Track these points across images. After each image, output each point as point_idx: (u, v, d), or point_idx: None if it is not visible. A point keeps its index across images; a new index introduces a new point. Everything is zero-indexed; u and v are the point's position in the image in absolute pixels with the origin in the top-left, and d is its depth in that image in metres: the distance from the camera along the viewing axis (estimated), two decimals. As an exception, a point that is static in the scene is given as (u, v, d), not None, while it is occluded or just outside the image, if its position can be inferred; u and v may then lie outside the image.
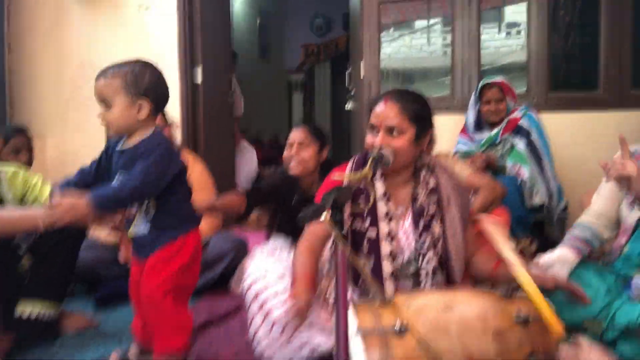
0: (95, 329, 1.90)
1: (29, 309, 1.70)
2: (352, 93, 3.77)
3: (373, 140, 1.49)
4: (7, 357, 1.63)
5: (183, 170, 1.51)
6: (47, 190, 1.83)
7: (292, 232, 2.44)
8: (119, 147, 1.47)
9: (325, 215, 0.94)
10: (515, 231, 2.47)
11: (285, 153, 2.19)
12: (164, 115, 2.41)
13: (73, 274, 1.90)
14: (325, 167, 2.27)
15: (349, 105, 3.97)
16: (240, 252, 2.38)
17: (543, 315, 1.08)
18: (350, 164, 1.63)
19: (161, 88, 1.47)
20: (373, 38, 3.38)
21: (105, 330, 1.90)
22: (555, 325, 1.06)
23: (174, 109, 3.41)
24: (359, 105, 3.51)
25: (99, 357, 1.68)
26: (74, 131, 3.57)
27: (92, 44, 3.53)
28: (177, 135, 3.40)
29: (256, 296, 1.49)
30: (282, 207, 2.34)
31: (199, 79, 3.52)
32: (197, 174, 2.49)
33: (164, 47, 3.43)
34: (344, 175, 1.50)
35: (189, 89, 3.46)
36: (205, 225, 2.42)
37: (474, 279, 1.58)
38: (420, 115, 1.50)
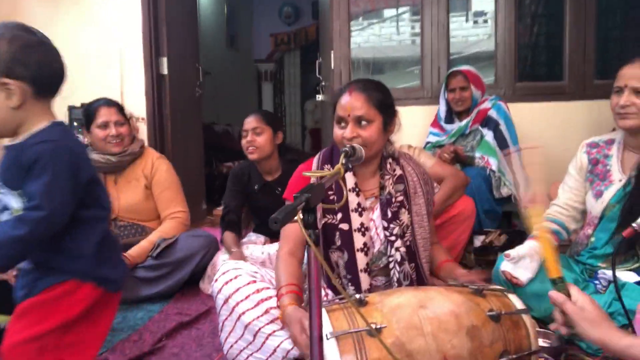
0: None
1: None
2: (323, 83, 3.74)
3: (341, 132, 1.47)
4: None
5: (93, 181, 1.10)
6: None
7: (261, 220, 2.46)
8: None
9: (297, 218, 0.91)
10: (484, 222, 2.51)
11: (242, 141, 2.35)
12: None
13: None
14: (282, 151, 2.43)
15: (319, 97, 3.94)
16: (211, 249, 2.33)
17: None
18: (316, 159, 1.61)
19: (40, 61, 1.04)
20: (343, 28, 3.35)
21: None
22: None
23: (139, 102, 3.31)
24: (329, 96, 3.48)
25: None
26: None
27: (52, 36, 3.37)
28: (141, 129, 3.31)
29: (226, 300, 1.45)
30: (248, 197, 2.38)
31: (164, 69, 3.42)
32: (163, 172, 2.42)
33: (128, 38, 3.31)
34: (313, 172, 1.48)
35: (155, 81, 3.36)
36: (173, 222, 2.37)
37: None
38: (385, 103, 1.49)
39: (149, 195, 2.38)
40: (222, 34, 6.37)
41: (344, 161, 1.21)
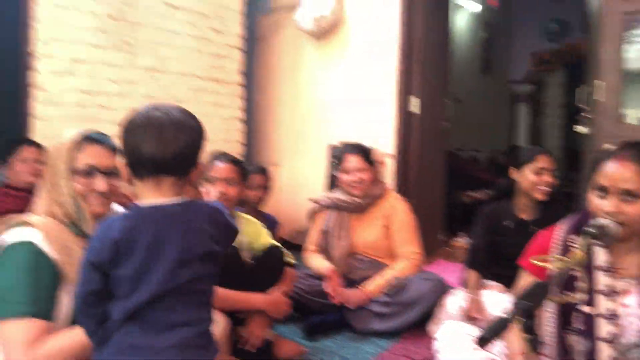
0: (301, 357, 2.11)
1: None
2: (587, 114, 3.32)
3: (600, 203, 1.31)
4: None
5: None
6: (265, 239, 2.08)
7: (502, 260, 2.32)
8: None
9: (515, 326, 0.86)
10: None
11: (535, 178, 2.18)
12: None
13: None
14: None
15: (581, 128, 3.51)
16: (439, 292, 2.36)
17: None
18: (563, 228, 1.46)
19: (129, 146, 1.02)
20: (613, 53, 2.91)
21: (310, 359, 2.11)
22: None
23: (388, 139, 3.56)
24: (595, 130, 3.07)
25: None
26: (303, 160, 4.03)
27: (323, 81, 3.94)
28: (388, 163, 3.54)
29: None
30: (495, 235, 2.26)
31: (414, 108, 3.59)
32: (401, 214, 2.56)
33: (381, 79, 3.61)
34: (549, 257, 1.35)
35: (405, 119, 3.56)
36: (407, 263, 2.48)
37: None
38: None
39: (387, 234, 2.56)
40: (477, 60, 6.27)
41: (585, 248, 1.09)
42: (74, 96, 3.07)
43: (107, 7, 3.18)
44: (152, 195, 1.01)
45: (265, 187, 3.02)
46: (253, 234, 2.08)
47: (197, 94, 3.71)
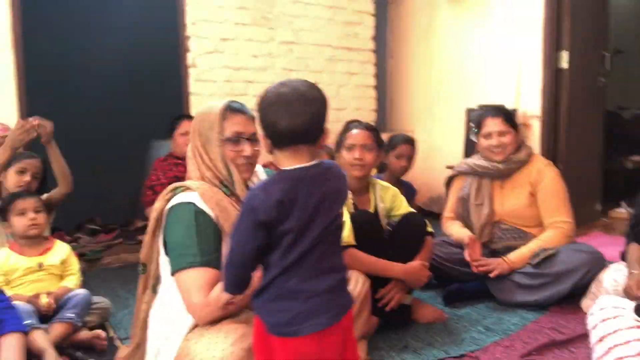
0: (442, 324, 2.09)
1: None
2: None
3: None
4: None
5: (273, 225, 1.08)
6: (404, 207, 2.09)
7: None
8: None
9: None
10: None
11: None
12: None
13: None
14: None
15: None
16: (595, 266, 2.15)
17: None
18: None
19: (267, 121, 1.11)
20: None
21: (450, 328, 2.06)
22: None
23: (534, 99, 3.28)
24: None
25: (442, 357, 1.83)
26: (439, 126, 3.91)
27: (459, 42, 3.74)
28: (534, 127, 3.27)
29: (601, 339, 1.35)
30: None
31: (564, 63, 3.24)
32: (549, 180, 2.37)
33: (526, 36, 3.31)
34: None
35: (553, 76, 3.24)
36: (556, 232, 2.30)
37: None
38: None
39: (533, 202, 2.39)
40: (642, 3, 5.40)
41: None
42: (223, 73, 3.34)
43: (247, -15, 3.37)
44: (291, 162, 1.11)
45: (410, 157, 3.00)
46: (390, 202, 2.09)
47: (331, 64, 3.78)
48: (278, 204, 1.06)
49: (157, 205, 1.44)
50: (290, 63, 3.61)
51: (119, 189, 3.56)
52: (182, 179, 2.82)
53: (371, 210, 2.07)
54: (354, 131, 2.04)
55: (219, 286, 1.28)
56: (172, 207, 1.39)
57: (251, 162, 1.46)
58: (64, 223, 2.86)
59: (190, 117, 2.88)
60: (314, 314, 1.08)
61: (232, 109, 1.45)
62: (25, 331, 1.48)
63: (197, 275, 1.30)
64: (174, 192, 1.43)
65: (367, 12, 3.92)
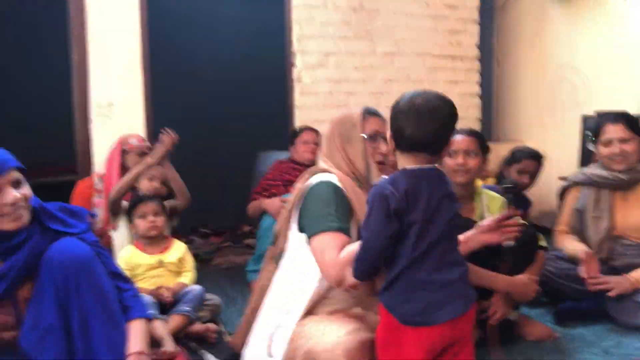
0: (553, 343, 1.95)
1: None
2: None
3: None
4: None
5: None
6: None
7: None
8: None
9: None
10: None
11: None
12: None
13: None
14: None
15: None
16: None
17: None
18: None
19: (398, 126, 1.23)
20: None
21: (562, 347, 1.92)
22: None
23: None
24: None
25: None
26: (551, 135, 3.67)
27: (571, 45, 3.50)
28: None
29: None
30: None
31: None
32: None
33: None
34: None
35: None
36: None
37: None
38: None
39: (662, 215, 2.14)
40: None
41: None
42: (325, 86, 3.45)
43: (349, 0, 3.46)
44: (410, 165, 1.23)
45: (534, 174, 2.85)
46: (497, 212, 2.01)
47: (433, 73, 3.73)
48: (405, 194, 1.16)
49: (298, 185, 1.60)
50: (390, 74, 3.62)
51: (228, 197, 3.80)
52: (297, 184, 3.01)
53: (477, 219, 1.99)
54: (457, 137, 1.99)
55: (350, 247, 1.37)
56: (312, 186, 1.53)
57: (386, 158, 1.59)
58: (180, 226, 3.12)
59: (310, 129, 3.06)
60: (447, 303, 1.16)
61: (370, 112, 1.62)
62: (149, 318, 1.63)
63: (332, 238, 1.41)
64: (314, 173, 1.59)
65: (472, 19, 3.82)
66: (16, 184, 1.38)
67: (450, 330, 1.15)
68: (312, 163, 3.01)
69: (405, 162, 1.23)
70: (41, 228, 1.44)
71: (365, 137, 1.57)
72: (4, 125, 3.94)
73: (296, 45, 3.38)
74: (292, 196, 1.61)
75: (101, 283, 1.45)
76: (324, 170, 1.58)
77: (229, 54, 4.44)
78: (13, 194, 1.35)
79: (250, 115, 4.48)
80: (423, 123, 1.19)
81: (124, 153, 2.65)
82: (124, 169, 2.58)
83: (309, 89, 3.42)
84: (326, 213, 1.46)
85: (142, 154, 2.60)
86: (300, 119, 3.37)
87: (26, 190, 1.40)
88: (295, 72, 3.40)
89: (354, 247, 1.33)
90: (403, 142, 1.22)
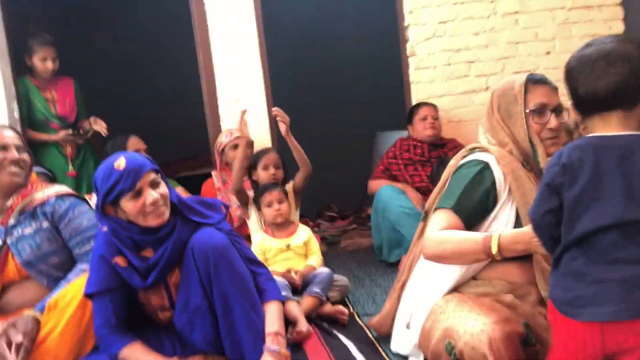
0: None
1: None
2: None
3: None
4: None
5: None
6: None
7: None
8: None
9: None
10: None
11: None
12: None
13: None
14: None
15: None
16: None
17: None
18: None
19: (568, 87, 1.08)
20: None
21: None
22: None
23: None
24: None
25: None
26: None
27: None
28: None
29: None
30: None
31: None
32: None
33: None
34: None
35: None
36: None
37: None
38: None
39: None
40: None
41: None
42: (442, 57, 3.28)
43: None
44: (600, 130, 1.04)
45: None
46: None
47: (565, 29, 3.34)
48: (562, 168, 1.01)
49: (452, 162, 1.56)
50: (515, 35, 3.31)
51: (350, 179, 3.83)
52: (417, 162, 2.94)
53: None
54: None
55: (450, 232, 1.33)
56: (460, 164, 1.49)
57: (557, 134, 1.44)
58: (307, 211, 3.23)
59: (427, 104, 3.02)
60: (597, 302, 0.98)
61: (535, 81, 1.44)
62: (282, 301, 1.72)
63: (443, 216, 1.39)
64: (472, 151, 1.51)
65: (608, -42, 3.33)
66: (154, 185, 1.50)
67: (612, 335, 0.96)
68: (433, 140, 2.94)
69: (595, 128, 1.05)
70: (183, 220, 1.57)
71: (528, 112, 1.42)
72: (147, 125, 4.38)
73: (408, 19, 3.25)
74: (443, 174, 1.58)
75: (238, 268, 1.55)
76: (481, 148, 1.48)
77: (341, 35, 4.44)
78: (152, 194, 1.48)
79: (367, 95, 4.45)
80: (598, 74, 0.99)
81: (221, 153, 2.84)
82: (229, 166, 2.75)
83: (424, 62, 3.28)
84: (451, 192, 1.42)
85: (235, 146, 2.70)
86: (416, 96, 3.25)
87: (163, 189, 1.53)
88: (409, 47, 3.27)
89: (458, 238, 1.31)
90: (581, 106, 1.05)
